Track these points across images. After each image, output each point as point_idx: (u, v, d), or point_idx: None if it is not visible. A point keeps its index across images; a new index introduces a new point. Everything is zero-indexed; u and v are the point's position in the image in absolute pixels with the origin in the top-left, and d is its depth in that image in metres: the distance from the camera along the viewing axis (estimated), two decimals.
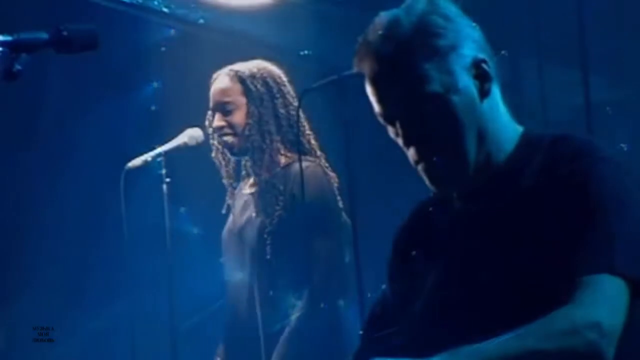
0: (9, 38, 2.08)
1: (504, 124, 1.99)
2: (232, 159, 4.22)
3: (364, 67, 1.95)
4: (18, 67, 2.07)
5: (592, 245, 1.80)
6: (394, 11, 1.96)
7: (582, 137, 1.96)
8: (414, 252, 2.08)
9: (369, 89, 1.96)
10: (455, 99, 1.91)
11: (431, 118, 1.91)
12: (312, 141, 4.19)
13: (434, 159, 1.93)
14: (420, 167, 1.96)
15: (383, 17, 1.96)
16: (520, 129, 2.02)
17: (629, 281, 1.78)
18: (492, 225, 1.94)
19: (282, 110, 4.16)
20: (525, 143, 1.98)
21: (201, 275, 4.44)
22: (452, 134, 1.92)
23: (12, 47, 2.08)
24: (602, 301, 1.75)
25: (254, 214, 4.11)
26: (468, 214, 1.99)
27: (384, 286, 2.15)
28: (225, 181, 4.27)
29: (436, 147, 1.93)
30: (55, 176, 5.69)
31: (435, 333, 1.93)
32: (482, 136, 1.94)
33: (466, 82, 1.93)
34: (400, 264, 2.11)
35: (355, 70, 1.99)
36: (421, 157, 1.94)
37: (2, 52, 2.06)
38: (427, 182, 1.97)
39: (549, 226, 1.85)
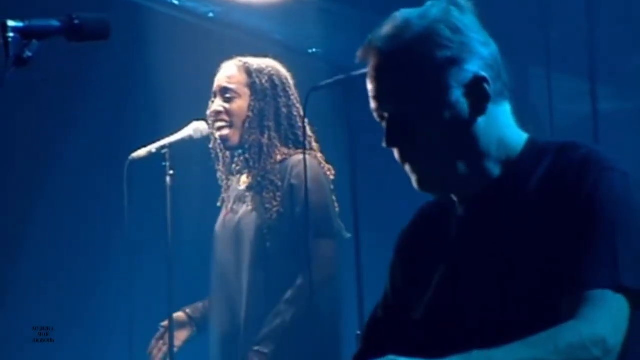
0: (20, 24, 2.09)
1: (503, 137, 1.96)
2: (227, 152, 4.23)
3: (366, 59, 1.97)
4: (29, 53, 2.07)
5: (596, 258, 1.80)
6: (411, 12, 1.95)
7: (590, 145, 1.94)
8: (417, 256, 2.08)
9: (367, 82, 1.98)
10: (444, 113, 1.90)
11: (414, 126, 1.91)
12: (310, 135, 4.21)
13: (415, 163, 1.94)
14: (406, 167, 1.96)
15: (398, 15, 1.96)
16: (525, 136, 2.01)
17: (631, 295, 1.79)
18: (495, 232, 1.93)
19: (284, 110, 4.17)
20: (530, 151, 1.97)
21: (203, 270, 4.44)
22: (431, 146, 1.91)
23: (24, 34, 2.08)
24: (607, 318, 1.76)
25: (249, 208, 4.12)
26: (471, 220, 1.99)
27: (385, 288, 2.15)
28: (219, 174, 4.28)
29: (416, 153, 1.93)
30: (56, 166, 5.68)
31: (437, 337, 1.94)
32: (470, 150, 1.93)
33: (459, 98, 1.91)
34: (403, 267, 2.11)
35: (359, 61, 2.00)
36: (403, 159, 1.95)
37: (13, 37, 2.06)
38: (412, 182, 1.97)
39: (553, 235, 1.85)
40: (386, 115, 1.94)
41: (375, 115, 1.98)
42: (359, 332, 3.75)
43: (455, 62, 1.90)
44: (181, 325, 4.27)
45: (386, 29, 1.94)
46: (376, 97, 1.95)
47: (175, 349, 4.21)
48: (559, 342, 1.72)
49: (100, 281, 5.65)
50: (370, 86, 1.96)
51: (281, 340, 3.99)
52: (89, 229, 5.79)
